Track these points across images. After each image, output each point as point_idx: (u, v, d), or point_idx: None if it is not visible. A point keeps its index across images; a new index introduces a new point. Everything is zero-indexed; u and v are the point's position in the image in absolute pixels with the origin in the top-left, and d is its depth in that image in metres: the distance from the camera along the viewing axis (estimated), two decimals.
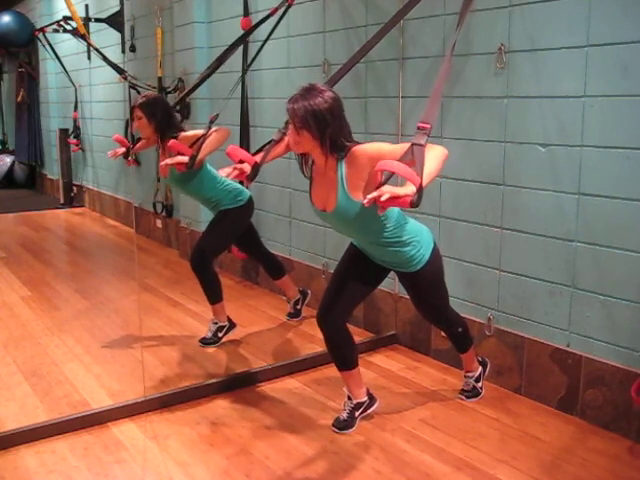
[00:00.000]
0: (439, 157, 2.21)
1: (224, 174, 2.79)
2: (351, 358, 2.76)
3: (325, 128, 2.35)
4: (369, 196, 2.00)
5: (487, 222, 3.12)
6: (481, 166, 3.11)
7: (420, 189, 2.02)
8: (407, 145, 2.21)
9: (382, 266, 2.71)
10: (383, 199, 1.98)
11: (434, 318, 2.95)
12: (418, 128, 2.17)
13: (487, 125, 3.06)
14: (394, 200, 1.99)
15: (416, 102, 3.39)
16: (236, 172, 2.75)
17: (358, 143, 2.42)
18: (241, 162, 2.80)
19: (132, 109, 3.49)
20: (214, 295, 3.65)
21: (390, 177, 2.24)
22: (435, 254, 2.67)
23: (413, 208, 2.04)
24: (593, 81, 2.63)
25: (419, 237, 2.62)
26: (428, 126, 2.16)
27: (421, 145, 2.13)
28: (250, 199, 3.66)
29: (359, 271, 2.71)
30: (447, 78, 2.48)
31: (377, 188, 2.06)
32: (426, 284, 2.72)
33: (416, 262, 2.62)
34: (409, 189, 2.01)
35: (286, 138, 2.78)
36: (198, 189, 3.55)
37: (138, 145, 3.82)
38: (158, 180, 5.86)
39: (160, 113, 3.45)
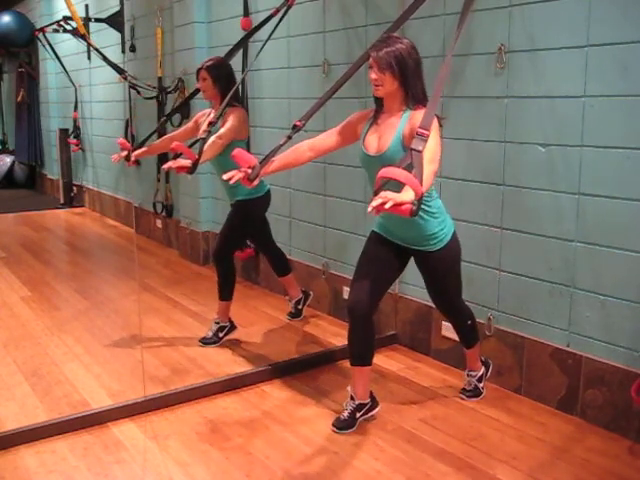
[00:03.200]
0: (430, 175, 2.29)
1: (227, 177, 2.79)
2: (368, 354, 2.77)
3: (406, 70, 2.50)
4: (373, 204, 2.02)
5: (487, 222, 3.12)
6: (481, 166, 3.12)
7: (421, 198, 2.07)
8: (434, 140, 2.33)
9: (404, 249, 2.72)
10: (387, 207, 2.00)
11: (446, 306, 2.94)
12: (417, 134, 2.27)
13: (487, 125, 3.06)
14: (395, 207, 2.03)
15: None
16: (240, 175, 2.76)
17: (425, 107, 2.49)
18: (248, 167, 2.80)
19: (198, 71, 3.56)
20: (226, 291, 3.67)
21: (387, 182, 2.23)
22: (455, 240, 2.72)
23: (412, 217, 2.07)
24: (593, 81, 2.63)
25: (444, 217, 2.68)
26: (428, 132, 2.27)
27: (419, 151, 2.22)
28: (268, 191, 3.69)
29: (383, 258, 2.74)
30: (445, 84, 2.52)
31: (376, 193, 2.09)
32: (443, 267, 2.74)
33: (438, 240, 2.65)
34: (409, 195, 2.06)
35: (307, 142, 2.78)
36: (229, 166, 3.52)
37: (140, 151, 3.79)
38: (158, 180, 5.87)
39: (225, 77, 3.52)
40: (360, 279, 2.73)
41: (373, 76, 2.52)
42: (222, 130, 3.39)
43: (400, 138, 2.51)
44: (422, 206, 2.55)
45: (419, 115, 2.43)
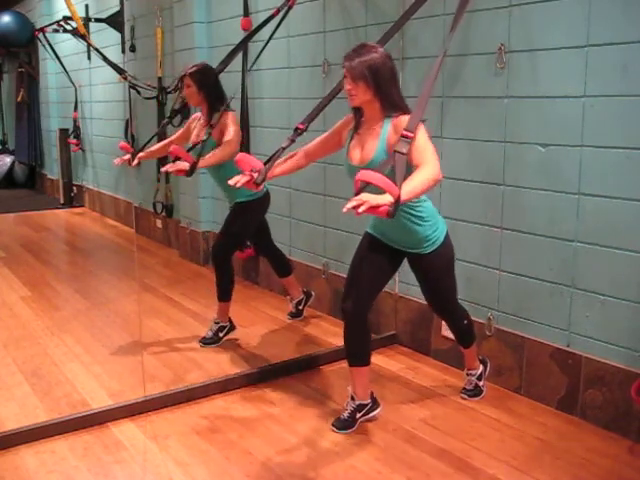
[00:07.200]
0: (429, 179, 2.23)
1: (233, 182, 2.79)
2: (364, 354, 2.77)
3: (379, 79, 2.45)
4: (348, 205, 2.03)
5: (487, 222, 3.12)
6: (481, 166, 3.12)
7: (397, 200, 2.06)
8: (429, 147, 2.31)
9: (397, 251, 2.73)
10: (361, 210, 2.01)
11: (441, 307, 2.95)
12: (402, 136, 2.27)
13: (487, 125, 3.06)
14: (372, 209, 2.03)
15: (416, 102, 3.38)
16: (245, 179, 2.76)
17: (409, 112, 2.47)
18: (251, 170, 2.80)
19: (181, 77, 3.56)
20: (225, 292, 3.67)
21: (367, 185, 2.21)
22: (448, 240, 2.72)
23: (389, 218, 2.06)
24: (593, 81, 2.63)
25: (435, 219, 2.68)
26: (412, 135, 2.27)
27: (403, 154, 2.21)
28: (267, 193, 3.69)
29: (376, 259, 2.74)
30: (433, 86, 2.50)
31: (356, 195, 2.09)
32: (437, 268, 2.75)
33: (430, 243, 2.66)
34: (387, 198, 2.06)
35: (303, 149, 2.78)
36: (229, 172, 3.53)
37: (143, 154, 3.79)
38: (158, 180, 5.87)
39: (210, 83, 3.50)
40: (353, 280, 2.74)
41: (347, 86, 2.49)
42: (228, 137, 3.38)
43: (384, 148, 2.48)
44: (412, 211, 2.59)
45: (404, 121, 2.41)
